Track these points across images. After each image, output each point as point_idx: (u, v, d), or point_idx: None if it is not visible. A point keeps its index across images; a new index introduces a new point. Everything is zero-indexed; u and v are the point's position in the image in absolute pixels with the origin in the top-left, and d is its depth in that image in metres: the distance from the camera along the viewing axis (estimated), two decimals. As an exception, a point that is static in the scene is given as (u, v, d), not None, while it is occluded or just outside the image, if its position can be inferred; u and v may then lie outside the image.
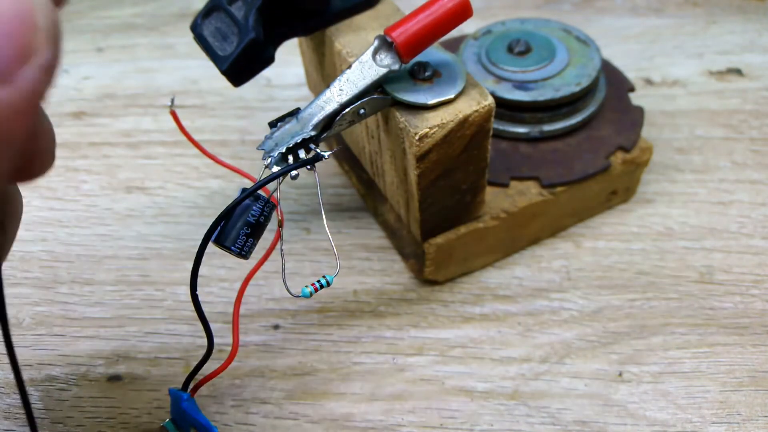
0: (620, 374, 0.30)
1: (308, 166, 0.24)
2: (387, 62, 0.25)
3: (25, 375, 0.31)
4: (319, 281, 0.23)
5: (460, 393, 0.30)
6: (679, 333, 0.32)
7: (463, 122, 0.26)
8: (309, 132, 0.24)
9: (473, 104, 0.26)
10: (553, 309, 0.33)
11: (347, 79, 0.25)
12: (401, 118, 0.26)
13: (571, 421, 0.29)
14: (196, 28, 0.28)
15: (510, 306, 0.33)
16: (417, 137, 0.25)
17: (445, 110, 0.26)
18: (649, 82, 0.45)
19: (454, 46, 0.39)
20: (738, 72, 0.45)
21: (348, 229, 0.37)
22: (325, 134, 0.25)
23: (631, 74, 0.44)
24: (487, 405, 0.29)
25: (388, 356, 0.31)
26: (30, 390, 0.30)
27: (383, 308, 0.33)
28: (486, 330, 0.32)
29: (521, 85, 0.34)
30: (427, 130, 0.25)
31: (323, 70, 0.33)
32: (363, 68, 0.25)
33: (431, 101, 0.26)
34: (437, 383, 0.30)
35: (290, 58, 0.39)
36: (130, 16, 0.54)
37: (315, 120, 0.25)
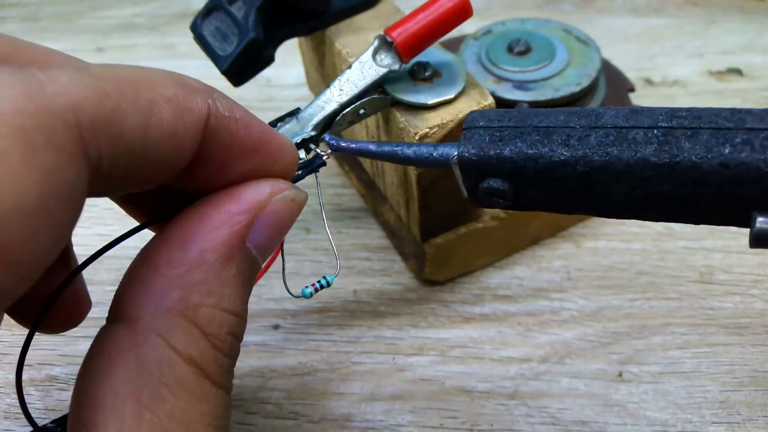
0: (620, 374, 0.30)
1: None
2: (387, 62, 0.25)
3: (25, 375, 0.31)
4: (319, 281, 0.23)
5: (460, 393, 0.30)
6: (679, 333, 0.32)
7: (463, 122, 0.26)
8: (309, 132, 0.24)
9: (473, 104, 0.26)
10: (553, 309, 0.33)
11: (347, 79, 0.25)
12: (401, 118, 0.26)
13: (571, 421, 0.29)
14: (196, 28, 0.28)
15: (510, 306, 0.33)
16: (417, 137, 0.25)
17: (445, 110, 0.26)
18: (649, 82, 0.45)
19: (454, 45, 0.39)
20: (738, 72, 0.45)
21: (348, 229, 0.37)
22: (325, 134, 0.25)
23: (631, 74, 0.44)
24: (487, 405, 0.29)
25: (388, 356, 0.31)
26: (30, 390, 0.30)
27: (383, 308, 0.33)
28: (486, 330, 0.32)
29: (521, 85, 0.34)
30: (427, 130, 0.25)
31: (323, 69, 0.33)
32: (363, 68, 0.25)
33: (431, 101, 0.26)
34: (437, 383, 0.30)
35: (290, 58, 0.39)
36: (130, 16, 0.54)
37: (315, 120, 0.25)
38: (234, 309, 0.18)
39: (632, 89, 0.38)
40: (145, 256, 0.18)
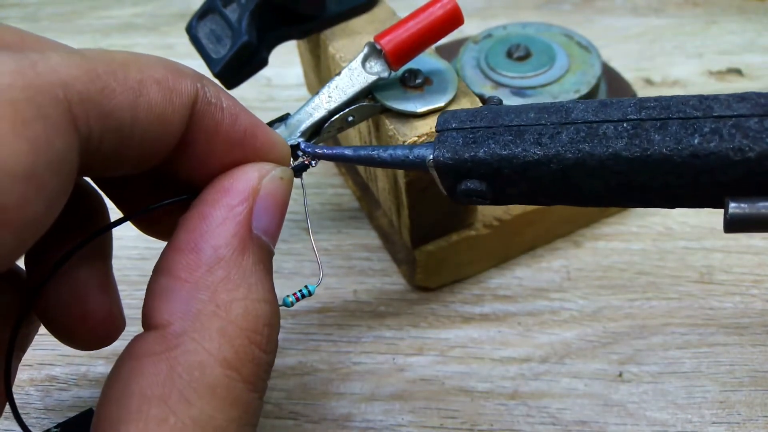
0: (620, 374, 0.30)
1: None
2: (377, 69, 0.25)
3: (25, 375, 0.31)
4: (300, 291, 0.23)
5: (460, 393, 0.30)
6: (679, 333, 0.32)
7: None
8: (297, 138, 0.24)
9: (463, 113, 0.26)
10: (553, 309, 0.33)
11: (336, 86, 0.25)
12: (390, 125, 0.26)
13: (571, 421, 0.29)
14: (191, 29, 0.28)
15: (510, 306, 0.33)
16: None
17: (434, 118, 0.25)
18: (649, 82, 0.45)
19: (455, 48, 0.39)
20: (738, 72, 0.45)
21: (348, 229, 0.37)
22: (313, 141, 0.25)
23: (631, 74, 0.44)
24: (487, 405, 0.29)
25: (388, 356, 0.31)
26: (30, 390, 0.30)
27: (383, 308, 0.33)
28: (486, 330, 0.32)
29: (519, 92, 0.33)
30: (416, 138, 0.25)
31: (319, 72, 0.33)
32: (352, 75, 0.25)
33: (420, 109, 0.25)
34: (437, 383, 0.30)
35: (290, 59, 0.39)
36: (130, 16, 0.54)
37: (303, 127, 0.24)
38: (264, 296, 0.18)
39: (635, 96, 0.37)
40: (160, 268, 0.18)
